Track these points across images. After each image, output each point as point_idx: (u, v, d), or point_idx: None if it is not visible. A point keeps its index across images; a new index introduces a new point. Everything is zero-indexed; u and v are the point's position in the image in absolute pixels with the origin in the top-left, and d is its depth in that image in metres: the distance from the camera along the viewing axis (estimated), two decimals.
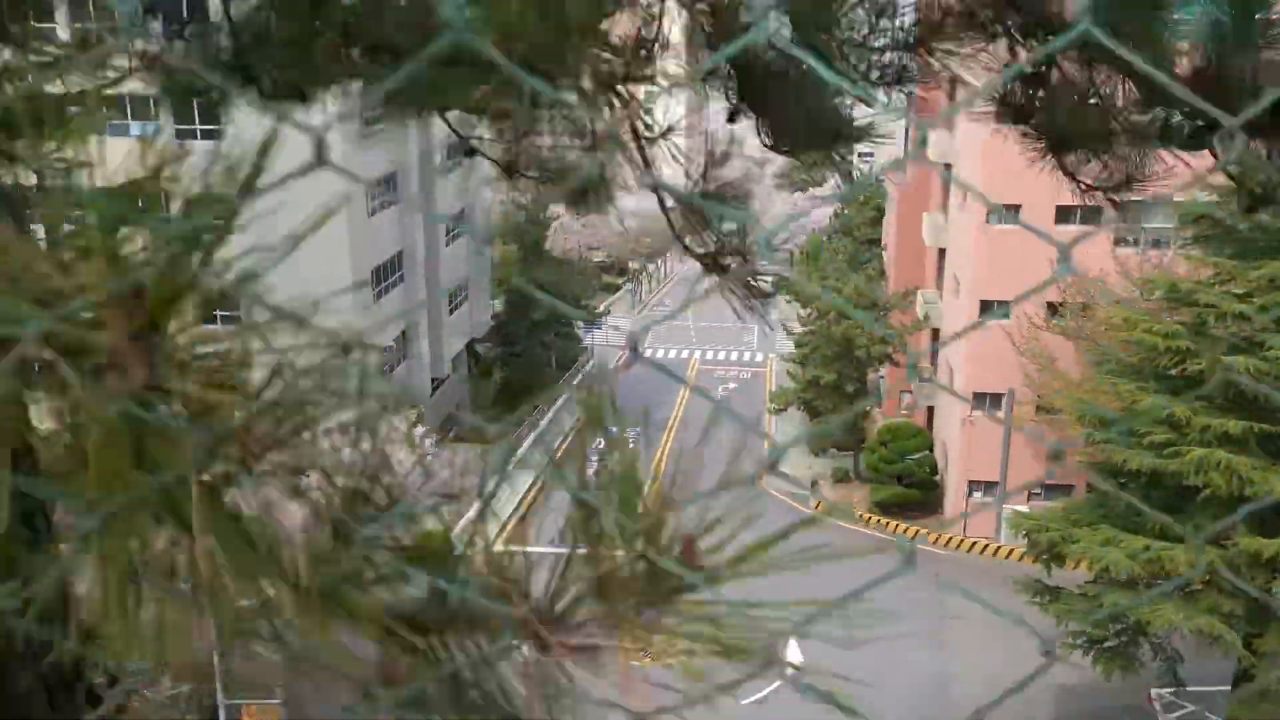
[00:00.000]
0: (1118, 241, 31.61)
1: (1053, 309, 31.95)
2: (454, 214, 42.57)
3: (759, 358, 57.90)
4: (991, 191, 32.43)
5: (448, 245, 41.84)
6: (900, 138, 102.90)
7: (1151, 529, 18.61)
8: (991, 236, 32.72)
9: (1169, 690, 24.29)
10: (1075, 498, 21.74)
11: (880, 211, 48.84)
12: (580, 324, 53.87)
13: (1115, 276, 30.80)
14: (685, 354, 57.58)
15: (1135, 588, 18.62)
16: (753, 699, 26.37)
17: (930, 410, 40.42)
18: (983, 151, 31.90)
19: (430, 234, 39.62)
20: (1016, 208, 32.74)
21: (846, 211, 52.12)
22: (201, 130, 34.32)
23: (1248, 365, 16.92)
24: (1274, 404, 17.64)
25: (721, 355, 58.13)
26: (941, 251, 38.23)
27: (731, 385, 52.64)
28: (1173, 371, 18.12)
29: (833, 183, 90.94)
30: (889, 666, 26.64)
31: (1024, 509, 25.80)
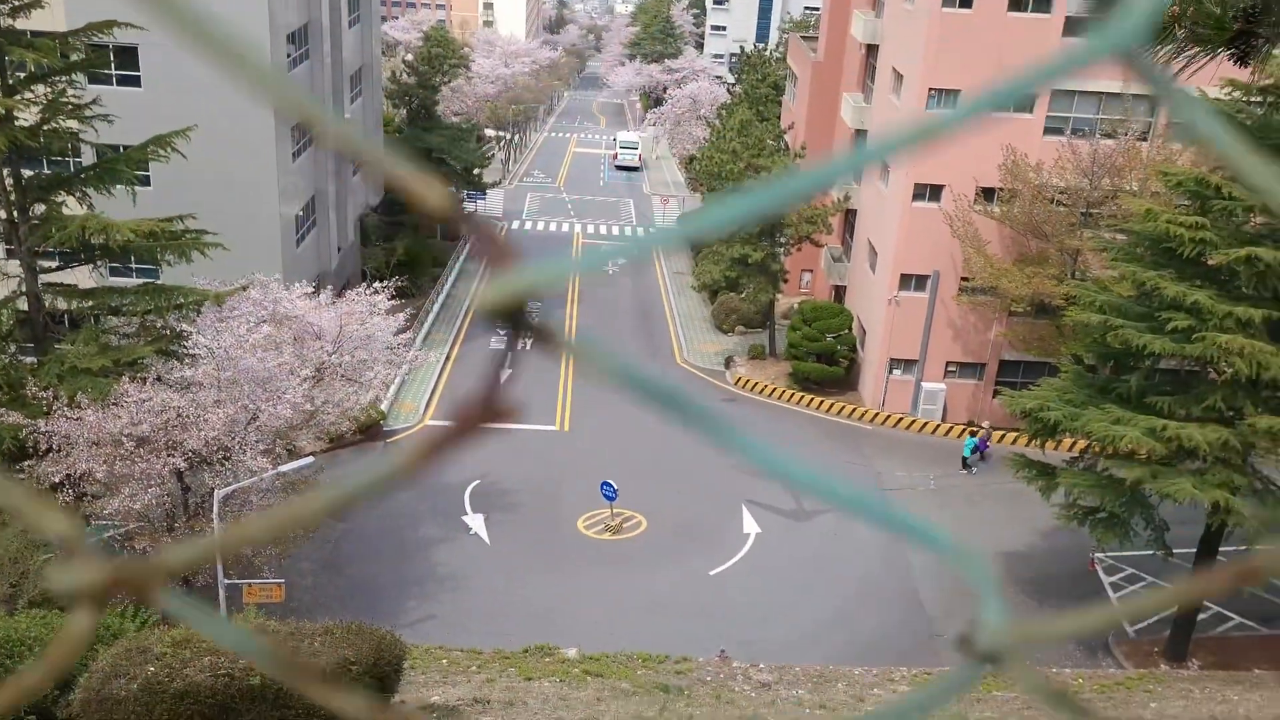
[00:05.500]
0: (1048, 130, 32.73)
1: (987, 194, 32.94)
2: (352, 73, 40.17)
3: (640, 232, 57.65)
4: (929, 75, 32.93)
5: (352, 103, 39.57)
6: (755, 4, 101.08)
7: (1159, 408, 19.82)
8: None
9: (1109, 554, 26.24)
10: (1055, 379, 22.79)
11: (778, 89, 48.72)
12: (465, 193, 52.22)
13: (1050, 164, 31.90)
14: (566, 228, 56.71)
15: (1136, 463, 19.82)
16: (717, 570, 27.08)
17: (839, 289, 41.38)
18: (925, 35, 32.15)
19: (337, 97, 37.31)
20: (955, 92, 33.33)
21: (740, 88, 51.85)
22: (117, 76, 30.84)
23: (1273, 258, 18.03)
24: None
25: (603, 230, 57.54)
26: (859, 132, 38.61)
27: (620, 261, 52.00)
28: (1194, 261, 19.04)
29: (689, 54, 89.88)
30: (843, 542, 27.72)
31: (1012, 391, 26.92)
